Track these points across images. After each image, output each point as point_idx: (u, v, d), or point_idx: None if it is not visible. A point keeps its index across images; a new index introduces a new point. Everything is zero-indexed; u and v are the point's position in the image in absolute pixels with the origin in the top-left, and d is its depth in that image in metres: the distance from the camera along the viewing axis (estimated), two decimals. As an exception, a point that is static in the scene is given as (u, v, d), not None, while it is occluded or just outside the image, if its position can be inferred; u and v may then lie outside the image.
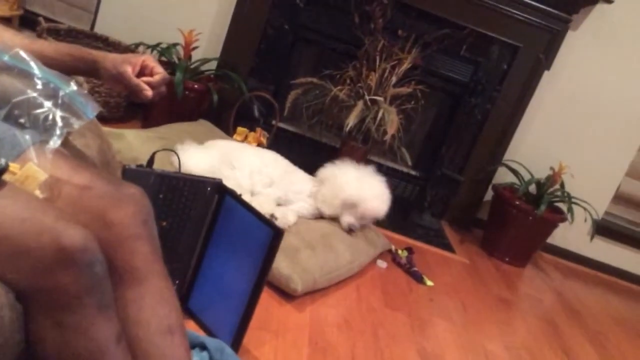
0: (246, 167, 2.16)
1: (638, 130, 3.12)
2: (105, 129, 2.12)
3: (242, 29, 2.86)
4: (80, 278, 0.79)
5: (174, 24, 2.80)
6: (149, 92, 1.09)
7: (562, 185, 2.94)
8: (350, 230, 2.22)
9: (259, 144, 2.75)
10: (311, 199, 2.24)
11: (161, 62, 2.82)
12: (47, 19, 2.81)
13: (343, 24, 2.80)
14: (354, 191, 2.19)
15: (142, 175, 1.40)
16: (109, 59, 1.11)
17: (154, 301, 0.98)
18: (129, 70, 1.10)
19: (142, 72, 1.13)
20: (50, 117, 0.92)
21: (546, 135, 3.11)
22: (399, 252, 2.47)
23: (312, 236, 2.06)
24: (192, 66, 2.79)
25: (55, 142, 0.91)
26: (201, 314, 1.56)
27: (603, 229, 3.19)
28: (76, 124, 0.93)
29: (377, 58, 2.70)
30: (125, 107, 2.82)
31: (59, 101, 0.92)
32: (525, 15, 2.80)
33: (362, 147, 2.76)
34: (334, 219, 2.25)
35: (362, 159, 2.79)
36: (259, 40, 2.88)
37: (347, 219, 2.21)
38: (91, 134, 1.22)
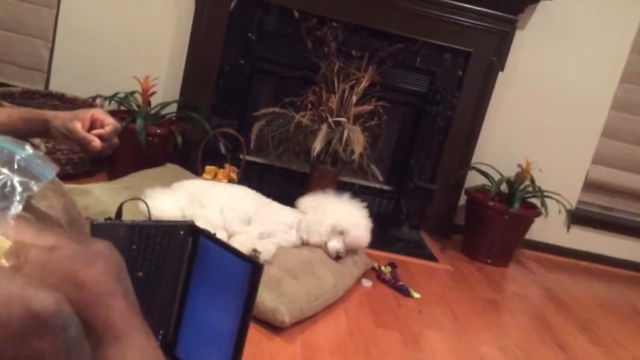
0: (216, 203, 2.15)
1: (598, 116, 3.19)
2: (72, 186, 2.10)
3: (198, 68, 2.87)
4: (56, 343, 0.77)
5: (129, 72, 2.79)
6: (96, 143, 1.10)
7: (532, 181, 2.98)
8: (337, 257, 2.21)
9: (230, 180, 2.74)
10: (293, 230, 2.24)
11: (121, 111, 2.81)
12: (0, 84, 2.79)
13: (297, 51, 2.83)
14: (343, 219, 2.21)
15: (111, 229, 1.38)
16: (59, 117, 1.12)
17: (137, 356, 0.96)
18: (78, 126, 1.11)
19: (93, 125, 1.13)
20: (9, 183, 0.91)
21: (510, 134, 3.17)
22: (382, 268, 2.46)
23: (293, 264, 2.05)
24: (153, 112, 2.78)
25: (16, 208, 0.90)
26: (190, 361, 1.53)
27: (578, 218, 3.23)
28: (36, 186, 0.92)
29: (335, 80, 2.73)
30: (90, 162, 2.79)
31: (15, 166, 0.91)
32: (473, 21, 2.87)
33: (332, 170, 2.77)
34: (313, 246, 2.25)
35: (334, 181, 2.80)
36: (216, 77, 2.89)
37: (335, 245, 2.21)
38: (54, 194, 1.20)
